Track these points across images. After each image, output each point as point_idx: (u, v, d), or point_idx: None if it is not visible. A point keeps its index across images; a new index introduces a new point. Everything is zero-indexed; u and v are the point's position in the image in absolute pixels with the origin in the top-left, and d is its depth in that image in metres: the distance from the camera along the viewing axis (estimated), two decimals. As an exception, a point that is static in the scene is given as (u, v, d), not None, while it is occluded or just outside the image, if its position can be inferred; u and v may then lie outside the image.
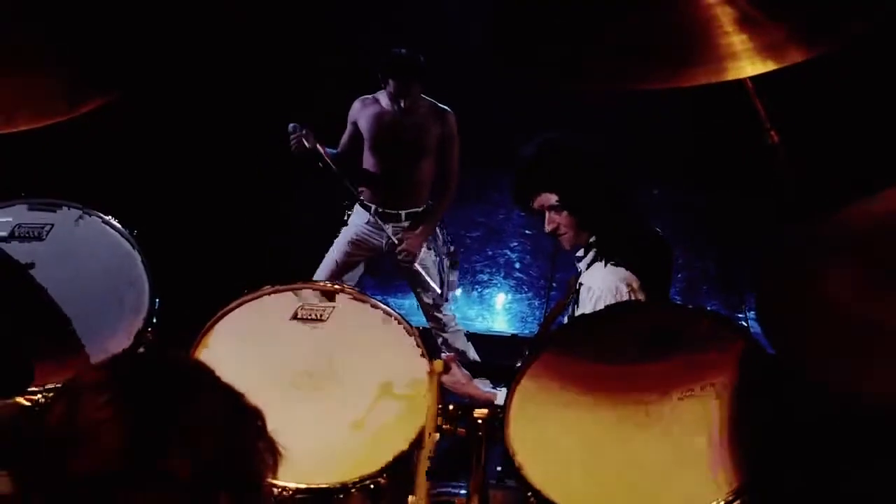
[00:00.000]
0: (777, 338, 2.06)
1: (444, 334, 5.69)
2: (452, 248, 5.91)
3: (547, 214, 3.42)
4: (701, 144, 8.46)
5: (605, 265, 3.31)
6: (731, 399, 2.56)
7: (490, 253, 7.83)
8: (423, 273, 5.67)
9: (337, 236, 5.82)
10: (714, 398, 2.57)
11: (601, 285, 3.25)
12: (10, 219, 3.08)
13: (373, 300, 2.81)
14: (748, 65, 1.94)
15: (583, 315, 2.96)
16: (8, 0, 2.15)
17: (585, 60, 2.03)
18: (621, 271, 3.28)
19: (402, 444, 2.61)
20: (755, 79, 2.06)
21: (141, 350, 2.81)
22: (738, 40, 1.96)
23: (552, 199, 3.38)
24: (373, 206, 5.63)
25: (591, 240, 3.39)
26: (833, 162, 5.88)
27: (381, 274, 6.53)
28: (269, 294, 2.81)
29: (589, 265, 3.38)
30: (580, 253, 3.43)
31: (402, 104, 5.34)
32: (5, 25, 2.11)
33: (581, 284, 3.36)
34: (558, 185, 3.39)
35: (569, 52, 2.06)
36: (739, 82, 2.07)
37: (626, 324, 2.63)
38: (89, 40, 2.18)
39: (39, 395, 2.63)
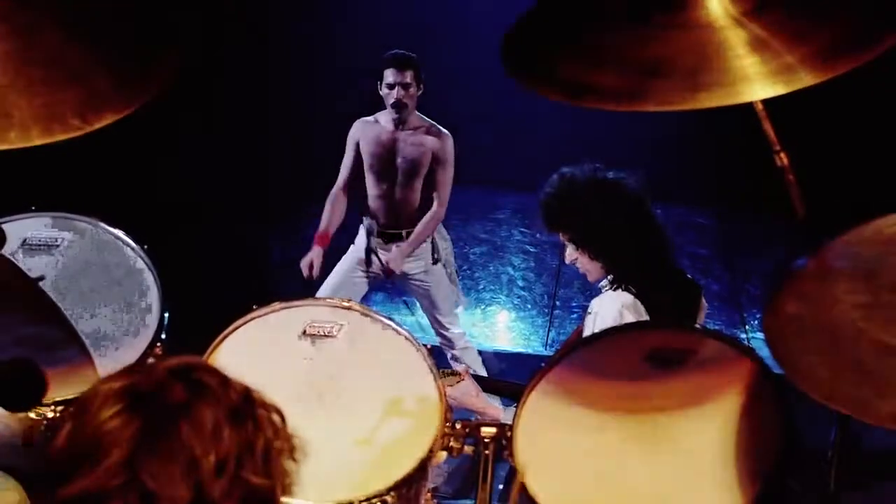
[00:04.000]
0: (786, 359, 2.07)
1: (454, 351, 5.71)
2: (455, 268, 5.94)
3: (567, 248, 3.46)
4: (704, 163, 8.50)
5: (615, 290, 3.34)
6: (738, 419, 2.56)
7: (493, 270, 7.84)
8: (433, 290, 5.72)
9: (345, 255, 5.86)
10: (722, 418, 2.57)
11: (605, 311, 3.27)
12: (20, 231, 3.09)
13: (381, 317, 2.81)
14: (760, 88, 1.95)
15: (591, 334, 2.98)
16: (23, 15, 2.15)
17: (600, 80, 2.04)
18: (625, 296, 3.31)
19: (411, 462, 2.60)
20: (764, 100, 2.07)
21: (151, 361, 2.81)
22: (749, 63, 1.97)
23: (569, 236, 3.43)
24: (375, 228, 5.66)
25: (609, 277, 3.42)
26: (842, 184, 5.91)
27: (387, 290, 6.55)
28: (278, 310, 2.81)
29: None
30: (603, 282, 3.46)
31: (395, 94, 5.36)
32: (23, 41, 2.12)
33: (590, 307, 3.38)
34: (570, 227, 3.42)
35: (583, 70, 2.07)
36: (748, 104, 2.08)
37: (635, 343, 2.63)
38: (104, 55, 2.19)
39: (48, 410, 2.64)
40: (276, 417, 1.54)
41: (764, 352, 2.58)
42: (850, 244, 2.20)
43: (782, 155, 2.30)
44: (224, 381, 1.52)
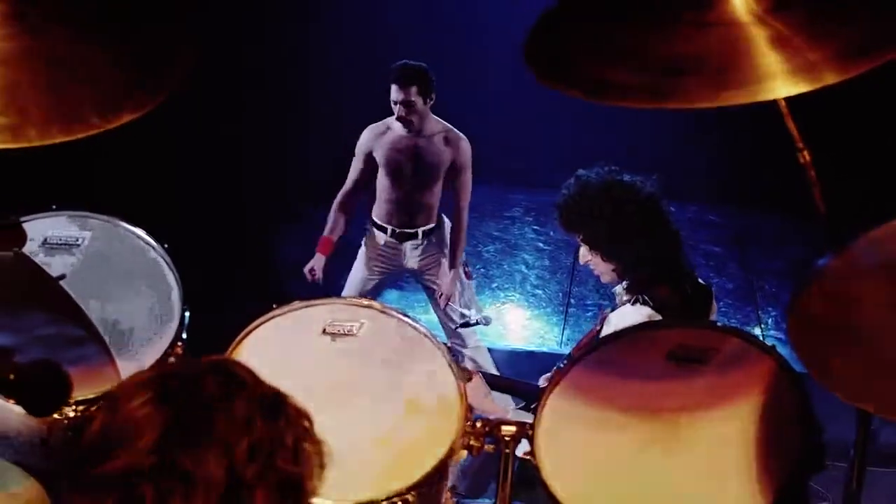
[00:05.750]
0: (810, 359, 2.05)
1: (465, 350, 5.71)
2: (465, 261, 5.94)
3: (581, 248, 3.48)
4: (718, 161, 8.48)
5: (633, 304, 3.35)
6: (760, 418, 2.55)
7: (507, 268, 7.84)
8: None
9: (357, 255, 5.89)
10: (743, 417, 2.57)
11: (625, 325, 3.28)
12: (40, 230, 3.09)
13: (401, 315, 2.81)
14: (783, 85, 1.93)
15: (612, 333, 2.97)
16: (40, 13, 2.15)
17: (622, 77, 2.03)
18: (645, 310, 3.32)
19: (431, 461, 2.59)
20: (787, 97, 2.06)
21: (173, 360, 2.82)
22: (772, 61, 1.96)
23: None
24: (389, 228, 5.67)
25: (625, 283, 3.44)
26: (866, 180, 5.88)
27: (402, 287, 6.56)
28: (298, 309, 2.81)
29: (622, 302, 3.43)
30: (618, 288, 3.48)
31: (397, 112, 5.34)
32: (41, 39, 2.12)
33: (608, 320, 3.39)
34: (584, 229, 3.44)
35: (605, 68, 2.06)
36: (769, 101, 2.07)
37: (657, 341, 2.62)
38: (123, 51, 2.19)
39: (69, 409, 2.64)
40: (305, 422, 1.56)
41: (781, 350, 2.58)
42: (875, 242, 2.19)
43: (805, 153, 2.29)
44: (257, 379, 1.55)
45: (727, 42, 2.00)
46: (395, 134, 5.50)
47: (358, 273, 5.84)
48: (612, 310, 3.50)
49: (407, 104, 5.32)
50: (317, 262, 5.71)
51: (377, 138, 5.56)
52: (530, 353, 6.56)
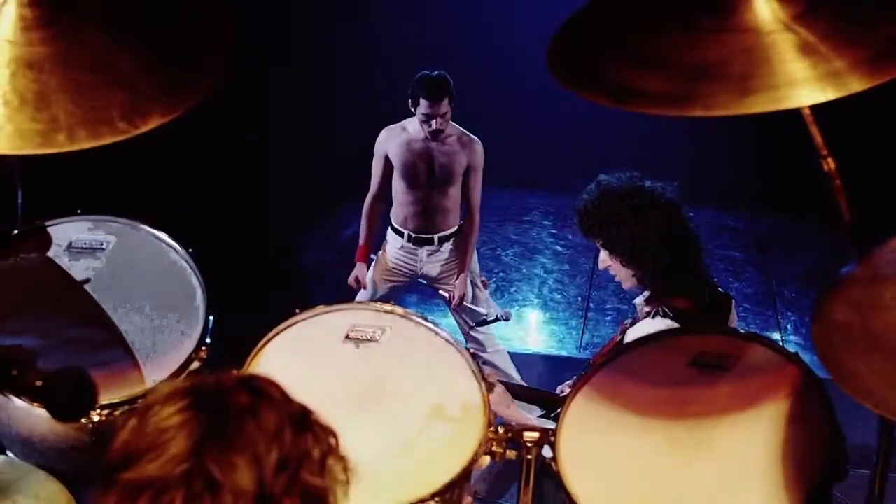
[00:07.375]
0: (835, 367, 2.05)
1: (484, 354, 5.70)
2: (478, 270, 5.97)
3: (601, 253, 3.48)
4: (737, 166, 8.47)
5: (653, 317, 3.33)
6: (784, 425, 2.55)
7: (525, 272, 7.83)
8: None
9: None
10: (767, 424, 2.56)
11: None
12: (65, 234, 3.10)
13: (423, 321, 2.81)
14: (809, 93, 1.93)
15: (635, 339, 2.97)
16: (69, 18, 2.16)
17: (646, 83, 2.03)
18: (666, 322, 3.31)
19: (454, 468, 2.59)
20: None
21: (197, 365, 2.82)
22: (798, 68, 1.96)
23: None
24: (405, 232, 5.68)
25: (645, 295, 3.43)
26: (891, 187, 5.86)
27: (420, 292, 6.57)
28: (322, 314, 2.82)
29: (642, 314, 3.42)
30: (638, 300, 3.47)
31: (432, 125, 5.35)
32: (70, 44, 2.13)
33: (627, 334, 3.39)
34: (603, 234, 3.43)
35: (629, 74, 2.06)
36: (793, 109, 2.06)
37: (680, 347, 2.62)
38: (151, 57, 2.20)
39: (94, 413, 2.64)
40: (331, 438, 1.57)
41: (803, 356, 2.58)
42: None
43: (829, 160, 2.28)
44: (285, 394, 1.57)
45: (753, 49, 2.00)
46: (411, 136, 5.51)
47: (372, 279, 5.85)
48: (633, 322, 3.49)
49: (443, 116, 5.34)
50: (359, 272, 5.80)
51: (392, 139, 5.58)
52: (549, 358, 6.56)
